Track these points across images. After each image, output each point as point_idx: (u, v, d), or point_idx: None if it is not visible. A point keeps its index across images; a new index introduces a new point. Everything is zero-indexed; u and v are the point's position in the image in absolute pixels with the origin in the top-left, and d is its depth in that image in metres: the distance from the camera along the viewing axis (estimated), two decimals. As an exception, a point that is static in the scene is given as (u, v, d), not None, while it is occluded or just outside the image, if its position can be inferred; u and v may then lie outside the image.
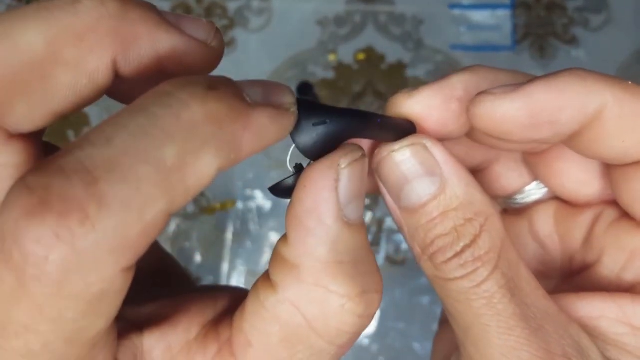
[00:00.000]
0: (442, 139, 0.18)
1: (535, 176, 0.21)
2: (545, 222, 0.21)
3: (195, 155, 0.12)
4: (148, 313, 0.16)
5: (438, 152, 0.17)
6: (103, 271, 0.11)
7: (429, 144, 0.17)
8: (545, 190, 0.21)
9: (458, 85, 0.17)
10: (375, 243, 0.70)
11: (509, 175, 0.21)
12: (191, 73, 0.15)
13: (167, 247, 0.71)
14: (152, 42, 0.14)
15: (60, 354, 0.12)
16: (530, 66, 0.75)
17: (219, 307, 0.17)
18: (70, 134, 0.75)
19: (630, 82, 0.16)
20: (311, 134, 0.15)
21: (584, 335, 0.16)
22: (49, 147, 0.16)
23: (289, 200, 0.15)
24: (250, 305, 0.15)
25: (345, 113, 0.15)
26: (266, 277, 0.15)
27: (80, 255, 0.11)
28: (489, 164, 0.21)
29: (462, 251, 0.16)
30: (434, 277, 0.17)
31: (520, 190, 0.21)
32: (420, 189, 0.16)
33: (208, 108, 0.12)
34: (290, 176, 0.15)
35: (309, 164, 0.15)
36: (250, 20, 0.79)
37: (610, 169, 0.18)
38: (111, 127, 0.11)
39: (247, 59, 0.77)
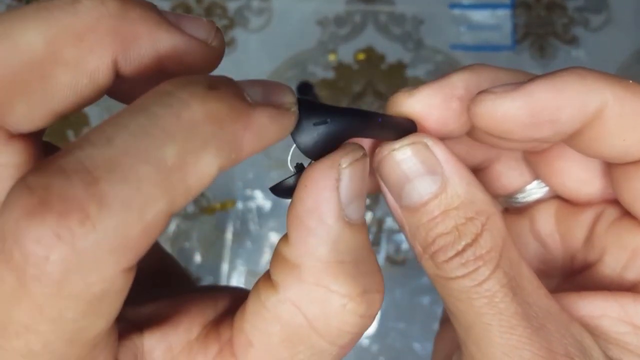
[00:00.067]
0: (442, 138, 0.18)
1: (536, 175, 0.21)
2: (546, 221, 0.21)
3: (196, 155, 0.12)
4: (148, 313, 0.16)
5: (439, 150, 0.17)
6: (103, 271, 0.11)
7: (430, 142, 0.17)
8: (546, 189, 0.21)
9: (458, 84, 0.17)
10: (376, 243, 0.70)
11: (510, 174, 0.21)
12: (192, 72, 0.15)
13: (167, 247, 0.71)
14: (152, 42, 0.14)
15: (61, 354, 0.12)
16: (530, 66, 0.75)
17: (219, 307, 0.17)
18: (70, 134, 0.75)
19: (630, 81, 0.16)
20: (312, 134, 0.15)
21: (586, 335, 0.16)
22: (49, 147, 0.16)
23: (289, 200, 0.15)
24: (251, 305, 0.15)
25: (346, 112, 0.15)
26: (267, 277, 0.15)
27: (81, 255, 0.11)
28: (489, 163, 0.21)
29: (464, 250, 0.16)
30: (435, 276, 0.17)
31: (521, 189, 0.21)
32: (422, 188, 0.16)
33: (208, 107, 0.12)
34: (291, 176, 0.15)
35: (309, 164, 0.15)
36: (250, 20, 0.79)
37: (611, 167, 0.18)
38: (111, 127, 0.11)
39: (247, 59, 0.77)
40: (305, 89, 0.75)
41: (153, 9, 0.14)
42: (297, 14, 0.79)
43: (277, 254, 0.15)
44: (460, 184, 0.16)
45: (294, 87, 0.75)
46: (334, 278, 0.14)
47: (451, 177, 0.16)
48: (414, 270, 0.70)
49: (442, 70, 0.74)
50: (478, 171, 0.22)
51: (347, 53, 0.77)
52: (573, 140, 0.17)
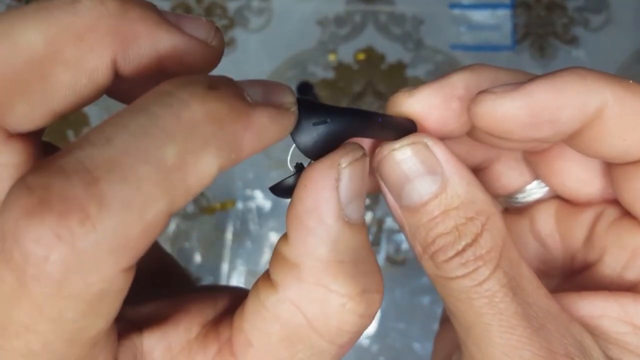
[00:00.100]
0: (442, 138, 0.18)
1: (536, 175, 0.21)
2: (546, 221, 0.21)
3: (196, 155, 0.12)
4: (148, 313, 0.16)
5: (439, 150, 0.17)
6: (103, 271, 0.11)
7: (430, 142, 0.17)
8: (546, 189, 0.21)
9: (458, 84, 0.17)
10: (376, 243, 0.70)
11: (510, 174, 0.21)
12: (191, 72, 0.15)
13: (167, 247, 0.71)
14: (152, 41, 0.14)
15: (61, 354, 0.12)
16: (530, 66, 0.75)
17: (219, 307, 0.16)
18: (70, 134, 0.75)
19: (630, 81, 0.16)
20: (311, 134, 0.15)
21: (586, 335, 0.16)
22: (49, 147, 0.16)
23: (289, 200, 0.15)
24: (250, 304, 0.15)
25: (346, 112, 0.15)
26: (266, 277, 0.15)
27: (81, 255, 0.11)
28: (489, 163, 0.21)
29: (464, 250, 0.16)
30: (435, 276, 0.17)
31: (521, 189, 0.21)
32: (422, 188, 0.16)
33: (208, 107, 0.12)
34: (291, 176, 0.15)
35: (309, 164, 0.15)
36: (250, 20, 0.79)
37: (611, 167, 0.18)
38: (111, 127, 0.11)
39: (247, 58, 0.77)
40: (305, 89, 0.75)
41: (153, 8, 0.14)
42: (297, 14, 0.79)
43: (276, 253, 0.15)
44: (460, 184, 0.16)
45: (294, 87, 0.75)
46: (333, 278, 0.14)
47: (451, 177, 0.16)
48: (414, 270, 0.70)
49: (442, 70, 0.74)
50: (478, 171, 0.22)
51: (347, 53, 0.77)
52: (573, 140, 0.17)
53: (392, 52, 0.76)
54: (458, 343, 0.18)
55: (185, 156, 0.12)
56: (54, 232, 0.10)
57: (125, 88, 0.15)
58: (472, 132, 0.18)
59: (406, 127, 0.17)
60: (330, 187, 0.14)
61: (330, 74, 0.76)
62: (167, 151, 0.11)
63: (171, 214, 0.12)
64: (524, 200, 0.22)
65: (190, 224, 0.72)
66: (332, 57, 0.77)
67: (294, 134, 0.15)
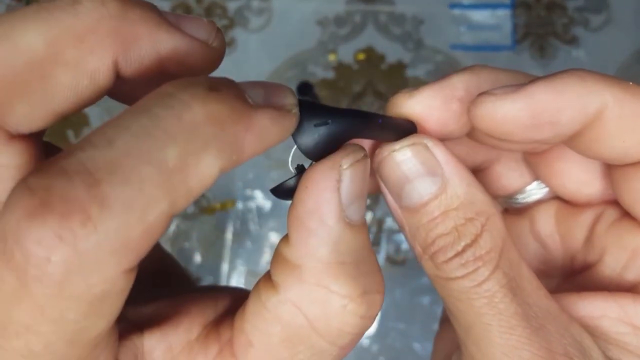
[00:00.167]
0: (442, 139, 0.18)
1: (536, 176, 0.21)
2: (546, 222, 0.21)
3: (197, 156, 0.12)
4: (149, 313, 0.16)
5: (439, 151, 0.17)
6: (105, 272, 0.11)
7: (430, 143, 0.17)
8: (546, 190, 0.21)
9: (459, 85, 0.17)
10: (376, 243, 0.71)
11: (510, 175, 0.21)
12: (192, 73, 0.15)
13: (167, 247, 0.71)
14: (152, 43, 0.14)
15: (62, 355, 0.12)
16: (530, 66, 0.75)
17: (219, 308, 0.17)
18: (70, 134, 0.75)
19: (630, 83, 0.16)
20: (313, 135, 0.15)
21: (586, 335, 0.16)
22: (50, 147, 0.16)
23: (289, 201, 0.15)
24: (251, 305, 0.15)
25: (347, 113, 0.15)
26: (267, 278, 0.15)
27: (82, 256, 0.11)
28: (489, 164, 0.21)
29: (463, 251, 0.16)
30: (435, 277, 0.17)
31: (521, 190, 0.21)
32: (422, 189, 0.16)
33: (209, 109, 0.12)
34: (292, 177, 0.15)
35: (310, 165, 0.15)
36: (250, 20, 0.79)
37: (611, 168, 0.18)
38: (113, 129, 0.11)
39: (247, 59, 0.77)
40: (305, 89, 0.75)
41: (153, 9, 0.14)
42: (297, 14, 0.79)
43: (277, 254, 0.15)
44: (460, 184, 0.16)
45: (294, 87, 0.75)
46: (334, 279, 0.14)
47: (451, 178, 0.16)
48: (414, 270, 0.70)
49: (442, 70, 0.74)
50: (478, 172, 0.22)
51: (347, 53, 0.77)
52: (573, 141, 0.17)
53: (392, 52, 0.76)
54: (458, 343, 0.18)
55: (187, 158, 0.12)
56: (56, 233, 0.10)
57: (127, 89, 0.15)
58: (472, 133, 0.18)
59: (406, 128, 0.17)
60: (332, 189, 0.14)
61: (330, 74, 0.76)
62: (168, 153, 0.11)
63: (173, 215, 0.12)
64: (524, 201, 0.22)
65: (190, 224, 0.72)
66: (332, 57, 0.77)
67: (295, 135, 0.15)
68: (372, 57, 0.77)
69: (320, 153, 0.15)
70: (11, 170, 0.14)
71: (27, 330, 0.11)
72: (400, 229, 0.18)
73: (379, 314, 0.70)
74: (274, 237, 0.71)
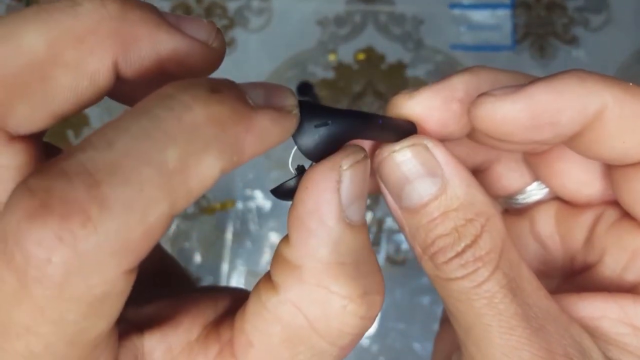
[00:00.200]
0: (442, 140, 0.18)
1: (536, 176, 0.21)
2: (546, 222, 0.21)
3: (198, 158, 0.12)
4: (149, 314, 0.16)
5: (439, 152, 0.17)
6: (105, 273, 0.11)
7: (430, 144, 0.17)
8: (546, 190, 0.21)
9: (458, 86, 0.17)
10: (376, 243, 0.71)
11: (510, 176, 0.21)
12: (192, 74, 0.15)
13: (167, 247, 0.71)
14: (152, 44, 0.14)
15: (62, 356, 0.12)
16: (530, 66, 0.75)
17: (219, 308, 0.17)
18: (70, 134, 0.75)
19: (630, 83, 0.16)
20: (313, 136, 0.15)
21: (585, 336, 0.16)
22: (50, 148, 0.16)
23: (290, 202, 0.15)
24: (251, 306, 0.15)
25: (347, 114, 0.15)
26: (268, 278, 0.15)
27: (82, 258, 0.11)
28: (490, 164, 0.21)
29: (463, 251, 0.16)
30: (435, 277, 0.17)
31: (521, 191, 0.21)
32: (421, 189, 0.16)
33: (210, 110, 0.12)
34: (292, 178, 0.15)
35: (310, 166, 0.15)
36: (250, 20, 0.79)
37: (611, 169, 0.18)
38: (113, 130, 0.11)
39: (247, 59, 0.77)
40: (305, 89, 0.75)
41: (153, 10, 0.14)
42: (297, 14, 0.79)
43: (277, 255, 0.15)
44: (460, 185, 0.16)
45: (294, 87, 0.75)
46: (334, 279, 0.14)
47: (451, 179, 0.16)
48: (414, 270, 0.70)
49: (442, 70, 0.74)
50: (478, 172, 0.22)
51: (347, 53, 0.77)
52: (573, 142, 0.17)
53: (392, 52, 0.76)
54: (458, 343, 0.18)
55: (187, 159, 0.12)
56: (56, 234, 0.10)
57: (127, 90, 0.15)
58: (472, 134, 0.18)
59: (406, 129, 0.17)
60: (332, 189, 0.14)
61: (330, 74, 0.76)
62: (169, 154, 0.11)
63: (173, 216, 0.12)
64: (524, 201, 0.22)
65: (190, 224, 0.72)
66: (332, 57, 0.77)
67: (295, 135, 0.15)
68: (372, 57, 0.77)
69: (320, 154, 0.15)
70: (11, 171, 0.14)
71: (28, 332, 0.11)
72: (400, 230, 0.18)
73: (379, 314, 0.70)
74: (274, 237, 0.71)
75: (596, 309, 0.17)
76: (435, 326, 0.24)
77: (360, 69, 0.76)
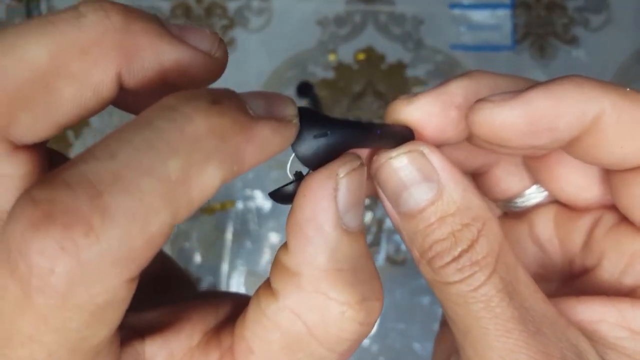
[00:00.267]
0: (441, 144, 0.18)
1: (536, 180, 0.21)
2: (545, 226, 0.21)
3: (199, 168, 0.12)
4: (150, 320, 0.16)
5: (435, 158, 0.17)
6: (107, 282, 0.11)
7: (426, 150, 0.17)
8: (545, 193, 0.21)
9: (457, 91, 0.17)
10: (376, 243, 0.71)
11: (509, 179, 0.21)
12: (195, 83, 0.15)
13: (167, 247, 0.71)
14: (155, 55, 0.14)
15: None
16: (530, 66, 0.75)
17: (220, 314, 0.17)
18: (70, 135, 0.75)
19: (628, 89, 0.16)
20: (311, 145, 0.15)
21: (583, 339, 0.17)
22: (53, 154, 0.16)
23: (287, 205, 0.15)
24: (251, 312, 0.15)
25: (346, 125, 0.15)
26: (267, 285, 0.15)
27: (85, 267, 0.11)
28: (489, 168, 0.21)
29: (460, 256, 0.16)
30: (432, 281, 0.17)
31: (520, 194, 0.21)
32: (418, 195, 0.17)
33: (212, 122, 0.12)
34: (290, 183, 0.16)
35: (308, 172, 0.15)
36: (250, 20, 0.78)
37: (609, 174, 0.18)
38: (115, 142, 0.11)
39: (247, 59, 0.77)
40: (305, 89, 0.75)
41: (156, 21, 0.14)
42: (297, 14, 0.78)
43: (276, 262, 0.15)
44: (456, 190, 0.16)
45: (294, 87, 0.75)
46: (332, 286, 0.14)
47: (447, 184, 0.16)
48: (414, 270, 0.70)
49: (442, 70, 0.74)
50: (477, 176, 0.22)
51: (347, 53, 0.77)
52: (571, 147, 0.17)
53: (392, 52, 0.76)
54: (457, 346, 0.18)
55: (189, 169, 0.12)
56: (59, 244, 0.11)
57: (130, 99, 0.15)
58: (471, 138, 0.18)
59: (404, 135, 0.17)
60: (329, 197, 0.15)
61: (330, 74, 0.76)
62: (170, 165, 0.11)
63: (174, 226, 0.12)
64: (523, 204, 0.22)
65: (190, 224, 0.72)
66: (332, 57, 0.77)
67: (294, 144, 0.15)
68: (372, 57, 0.77)
69: (318, 162, 0.15)
70: (15, 180, 0.14)
71: (31, 340, 0.12)
72: (398, 234, 0.18)
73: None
74: (274, 237, 0.71)
75: (594, 313, 0.17)
76: (435, 326, 0.24)
77: (360, 69, 0.76)
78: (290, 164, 0.16)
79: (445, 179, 0.16)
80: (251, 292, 0.16)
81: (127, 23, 0.14)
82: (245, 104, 0.13)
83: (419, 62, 0.76)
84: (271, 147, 0.13)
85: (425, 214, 0.16)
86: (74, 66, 0.13)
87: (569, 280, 0.21)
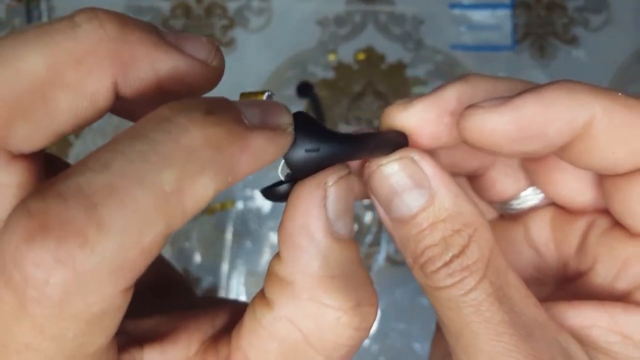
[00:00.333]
0: (436, 148, 0.18)
1: (533, 182, 0.21)
2: (541, 229, 0.21)
3: (193, 179, 0.12)
4: (148, 327, 0.16)
5: (426, 164, 0.17)
6: (103, 292, 0.12)
7: (417, 157, 0.17)
8: (541, 195, 0.21)
9: (452, 97, 0.17)
10: (376, 243, 0.71)
11: (505, 181, 0.21)
12: (191, 92, 0.15)
13: (167, 247, 0.71)
14: (151, 64, 0.14)
15: None
16: (530, 66, 0.75)
17: (218, 323, 0.17)
18: (70, 135, 0.75)
19: (619, 93, 0.16)
20: (303, 156, 0.15)
21: (574, 343, 0.17)
22: (51, 158, 0.17)
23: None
24: (247, 322, 0.15)
25: (339, 140, 0.16)
26: (262, 295, 0.15)
27: (80, 278, 0.11)
28: (484, 170, 0.21)
29: (451, 261, 0.16)
30: (425, 286, 0.17)
31: (516, 196, 0.22)
32: (410, 201, 0.17)
33: (207, 132, 0.12)
34: (282, 183, 0.16)
35: (297, 182, 0.16)
36: (250, 20, 0.79)
37: (602, 178, 0.19)
38: (110, 153, 0.12)
39: (247, 59, 0.77)
40: (305, 89, 0.75)
41: (152, 30, 0.14)
42: (297, 14, 0.78)
43: (270, 272, 0.15)
44: (447, 196, 0.17)
45: (294, 87, 0.75)
46: (326, 292, 0.15)
47: (438, 190, 0.17)
48: (413, 270, 0.70)
49: (442, 70, 0.74)
50: (474, 178, 0.22)
51: (347, 53, 0.77)
52: (563, 152, 0.17)
53: (392, 52, 0.76)
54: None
55: (183, 180, 0.12)
56: (54, 255, 0.11)
57: (127, 106, 0.15)
58: (465, 141, 0.18)
59: (398, 142, 0.17)
60: (319, 205, 0.15)
61: (330, 74, 0.76)
62: (165, 176, 0.12)
63: (168, 235, 0.12)
64: (519, 206, 0.22)
65: (190, 224, 0.72)
66: (332, 57, 0.77)
67: (286, 155, 0.15)
68: (372, 57, 0.77)
69: (308, 173, 0.15)
70: (12, 189, 0.14)
71: (27, 349, 0.12)
72: (392, 239, 0.18)
73: (379, 314, 0.70)
74: (274, 237, 0.71)
75: (586, 318, 0.17)
76: (436, 326, 0.24)
77: (360, 69, 0.76)
78: (282, 168, 0.16)
79: (437, 185, 0.17)
80: (251, 292, 0.16)
81: (122, 33, 0.14)
82: (240, 113, 0.13)
83: (419, 62, 0.76)
84: (266, 156, 0.14)
85: (417, 220, 0.17)
86: (69, 76, 0.13)
87: (564, 284, 0.21)
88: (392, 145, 0.17)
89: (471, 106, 0.16)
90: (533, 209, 0.22)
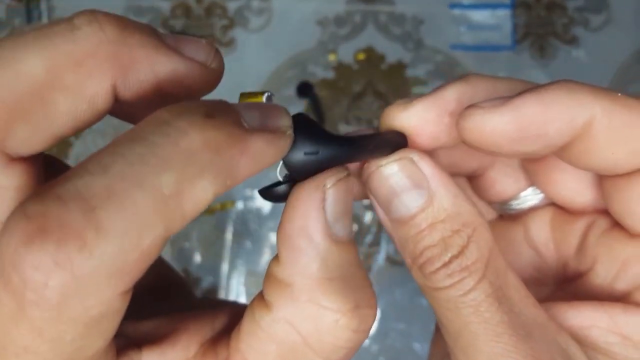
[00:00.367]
0: (436, 149, 0.18)
1: (533, 182, 0.21)
2: (541, 229, 0.21)
3: (193, 182, 0.12)
4: (147, 330, 0.16)
5: (425, 165, 0.17)
6: (101, 295, 0.12)
7: (416, 157, 0.17)
8: (541, 196, 0.21)
9: (452, 97, 0.17)
10: (376, 243, 0.71)
11: (505, 181, 0.21)
12: (191, 94, 0.15)
13: (167, 247, 0.71)
14: (150, 66, 0.14)
15: None
16: (531, 66, 0.75)
17: (217, 325, 0.17)
18: (71, 135, 0.75)
19: (619, 94, 0.16)
20: (302, 159, 0.15)
21: (573, 344, 0.17)
22: (51, 159, 0.17)
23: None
24: (246, 325, 0.15)
25: (339, 144, 0.16)
26: (261, 297, 0.15)
27: (79, 281, 0.11)
28: (484, 170, 0.21)
29: (450, 261, 0.16)
30: (424, 286, 0.17)
31: (516, 196, 0.22)
32: (409, 202, 0.17)
33: (206, 136, 0.12)
34: (280, 184, 0.16)
35: (296, 184, 0.16)
36: (250, 20, 0.79)
37: (601, 179, 0.19)
38: (109, 156, 0.12)
39: (247, 58, 0.77)
40: (305, 89, 0.75)
41: (152, 33, 0.14)
42: (297, 14, 0.78)
43: (268, 274, 0.15)
44: (446, 197, 0.17)
45: (294, 87, 0.75)
46: (325, 295, 0.15)
47: (437, 191, 0.17)
48: (413, 270, 0.70)
49: (442, 70, 0.74)
50: (473, 178, 0.22)
51: (347, 53, 0.77)
52: (563, 153, 0.17)
53: (392, 52, 0.76)
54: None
55: (183, 183, 0.12)
56: (53, 258, 0.11)
57: (126, 109, 0.15)
58: (464, 142, 0.18)
59: (397, 143, 0.17)
60: (318, 207, 0.15)
61: (330, 74, 0.76)
62: (164, 179, 0.12)
63: (167, 238, 0.12)
64: (519, 207, 0.22)
65: (190, 224, 0.72)
66: (332, 57, 0.77)
67: (285, 158, 0.15)
68: (372, 57, 0.77)
69: (307, 175, 0.15)
70: (11, 191, 0.14)
71: (26, 351, 0.12)
72: (391, 240, 0.18)
73: (379, 314, 0.70)
74: (274, 238, 0.71)
75: (586, 318, 0.17)
76: (435, 326, 0.24)
77: (360, 69, 0.76)
78: (280, 170, 0.16)
79: (436, 186, 0.17)
80: (251, 292, 0.16)
81: (122, 35, 0.14)
82: (239, 116, 0.13)
83: (419, 62, 0.76)
84: (265, 159, 0.14)
85: (415, 220, 0.17)
86: (68, 79, 0.13)
87: (563, 284, 0.21)
88: (391, 146, 0.17)
89: (471, 106, 0.16)
90: (533, 209, 0.22)
